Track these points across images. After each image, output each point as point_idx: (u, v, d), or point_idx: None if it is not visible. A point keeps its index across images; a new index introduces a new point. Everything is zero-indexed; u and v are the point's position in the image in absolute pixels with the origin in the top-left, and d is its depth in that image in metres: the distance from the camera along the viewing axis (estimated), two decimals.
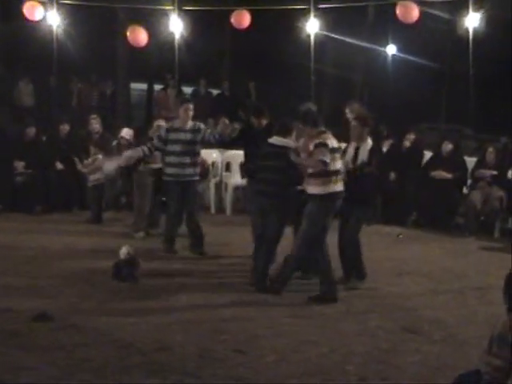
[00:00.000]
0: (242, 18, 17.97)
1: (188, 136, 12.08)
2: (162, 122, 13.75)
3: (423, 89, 24.48)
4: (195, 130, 12.16)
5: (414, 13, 16.42)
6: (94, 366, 7.24)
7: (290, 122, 10.61)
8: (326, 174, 9.68)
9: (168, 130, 12.24)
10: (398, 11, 16.53)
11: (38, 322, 8.44)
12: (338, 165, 9.87)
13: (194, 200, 12.36)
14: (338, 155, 9.88)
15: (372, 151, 10.47)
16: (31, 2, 18.42)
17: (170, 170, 12.21)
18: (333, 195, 9.76)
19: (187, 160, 12.07)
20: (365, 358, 7.76)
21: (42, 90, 22.28)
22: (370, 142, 10.55)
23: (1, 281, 10.17)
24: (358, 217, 10.50)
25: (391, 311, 9.42)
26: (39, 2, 18.56)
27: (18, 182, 15.20)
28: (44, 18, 18.83)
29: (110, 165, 13.88)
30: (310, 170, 9.75)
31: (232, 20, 18.10)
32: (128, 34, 18.48)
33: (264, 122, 11.87)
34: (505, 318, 5.55)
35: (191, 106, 12.25)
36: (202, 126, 12.32)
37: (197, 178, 12.35)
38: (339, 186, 9.82)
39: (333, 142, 9.75)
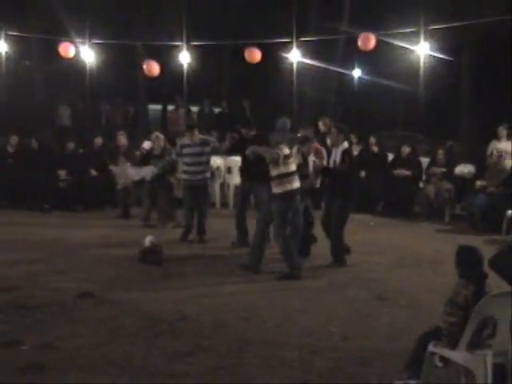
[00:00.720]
0: (254, 54, 17.85)
1: (197, 149, 12.16)
2: (159, 134, 13.92)
3: (383, 103, 24.45)
4: (203, 144, 12.26)
5: (372, 42, 16.40)
6: (128, 333, 7.29)
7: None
8: (283, 176, 9.67)
9: (182, 146, 12.37)
10: (359, 41, 16.55)
11: (82, 298, 8.48)
12: (292, 168, 9.79)
13: (204, 199, 12.39)
14: (290, 160, 9.79)
15: (345, 152, 10.42)
16: (65, 43, 18.34)
17: (184, 177, 12.35)
18: (289, 193, 9.73)
19: (197, 168, 12.16)
20: (345, 321, 7.80)
21: (77, 112, 22.28)
22: (345, 145, 10.49)
23: (51, 265, 10.16)
24: (340, 207, 10.39)
25: (366, 283, 9.42)
26: (72, 42, 18.50)
27: (61, 187, 15.19)
28: (77, 54, 18.77)
29: (136, 173, 13.95)
30: (271, 174, 9.77)
31: (245, 56, 17.96)
32: (144, 66, 18.41)
33: (252, 133, 12.00)
34: (455, 285, 5.63)
35: (196, 132, 12.39)
36: (212, 139, 12.37)
37: (204, 182, 12.38)
38: (294, 185, 9.75)
39: (285, 151, 9.74)
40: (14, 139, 15.98)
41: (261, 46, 17.87)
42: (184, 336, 7.24)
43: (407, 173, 14.82)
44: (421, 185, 14.99)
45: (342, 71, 23.41)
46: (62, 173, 15.24)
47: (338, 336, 7.34)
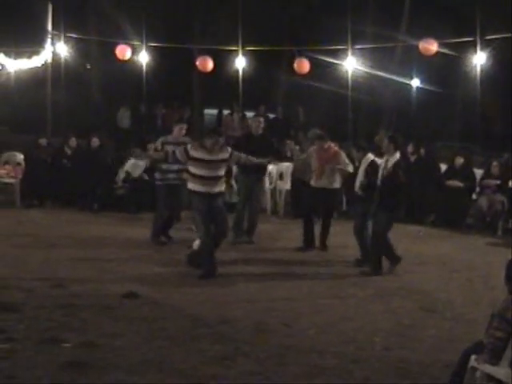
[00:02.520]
0: (303, 65, 17.83)
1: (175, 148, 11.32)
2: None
3: (441, 113, 24.15)
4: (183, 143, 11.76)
5: (433, 48, 16.21)
6: (169, 335, 7.28)
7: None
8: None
9: (164, 143, 11.80)
10: (420, 46, 16.36)
11: (126, 298, 8.51)
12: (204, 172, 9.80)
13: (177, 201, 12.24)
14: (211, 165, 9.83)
15: (396, 165, 10.28)
16: (122, 45, 18.50)
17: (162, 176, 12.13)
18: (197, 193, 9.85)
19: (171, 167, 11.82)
20: (389, 332, 7.68)
21: (136, 115, 22.47)
22: (397, 155, 10.35)
23: (96, 264, 10.25)
24: (385, 218, 10.25)
25: (411, 294, 9.29)
26: (128, 45, 18.64)
27: (118, 192, 15.34)
28: (134, 56, 18.93)
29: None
30: None
31: (295, 66, 17.97)
32: (197, 62, 18.48)
33: (260, 131, 12.31)
34: (504, 299, 5.47)
35: (183, 130, 12.01)
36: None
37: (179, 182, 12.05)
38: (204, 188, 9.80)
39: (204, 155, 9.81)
40: (72, 141, 16.16)
41: (315, 54, 17.85)
42: (224, 340, 7.19)
43: (460, 184, 14.60)
44: (474, 197, 14.73)
45: (400, 80, 23.13)
46: (119, 179, 15.36)
47: (381, 346, 7.22)
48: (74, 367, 6.32)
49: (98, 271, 9.82)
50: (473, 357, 5.49)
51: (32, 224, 13.53)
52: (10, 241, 11.79)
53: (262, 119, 12.74)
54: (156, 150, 12.03)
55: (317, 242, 11.93)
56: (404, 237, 12.82)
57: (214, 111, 27.20)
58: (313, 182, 11.99)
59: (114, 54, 18.44)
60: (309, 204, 12.17)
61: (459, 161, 14.98)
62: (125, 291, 8.68)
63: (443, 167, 15.52)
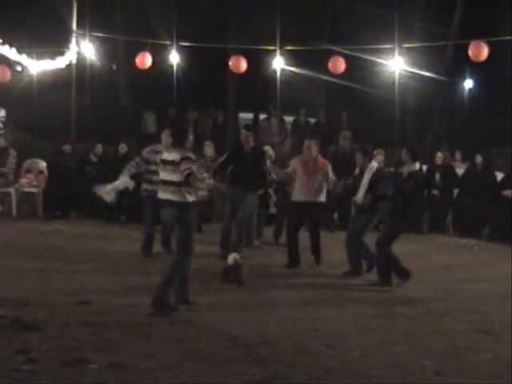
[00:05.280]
0: (338, 64, 17.86)
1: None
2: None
3: (497, 118, 23.90)
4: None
5: (484, 52, 16.12)
6: (203, 356, 7.25)
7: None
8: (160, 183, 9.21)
9: (155, 152, 11.75)
10: (469, 51, 16.28)
11: (156, 316, 8.54)
12: (166, 176, 8.99)
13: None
14: (169, 167, 8.98)
15: (411, 174, 10.51)
16: (142, 53, 18.57)
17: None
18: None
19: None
20: (441, 355, 7.61)
21: (162, 119, 22.57)
22: (416, 166, 10.63)
23: (123, 279, 10.33)
24: (391, 225, 10.63)
25: (466, 314, 9.24)
26: (149, 52, 18.68)
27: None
28: (160, 61, 19.03)
29: None
30: None
31: (329, 66, 18.01)
32: (230, 63, 18.56)
33: (251, 137, 12.25)
34: None
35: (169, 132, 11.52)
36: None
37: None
38: (164, 195, 9.03)
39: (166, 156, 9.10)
40: (98, 148, 16.27)
41: (358, 53, 17.85)
42: (263, 361, 7.17)
43: None
44: None
45: (451, 81, 23.01)
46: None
47: (432, 371, 7.14)
48: None
49: (125, 287, 9.89)
50: None
51: (55, 236, 13.68)
52: (31, 254, 11.94)
53: (249, 133, 12.47)
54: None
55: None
56: (456, 251, 12.77)
57: (250, 115, 27.31)
58: (296, 196, 11.98)
59: (135, 63, 18.54)
60: (291, 220, 12.18)
61: None
62: (156, 309, 8.71)
63: (500, 176, 15.41)
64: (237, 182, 12.12)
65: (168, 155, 9.00)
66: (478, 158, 15.61)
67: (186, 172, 8.77)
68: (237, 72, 19.14)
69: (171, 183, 8.90)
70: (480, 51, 16.12)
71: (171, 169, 8.89)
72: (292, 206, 12.11)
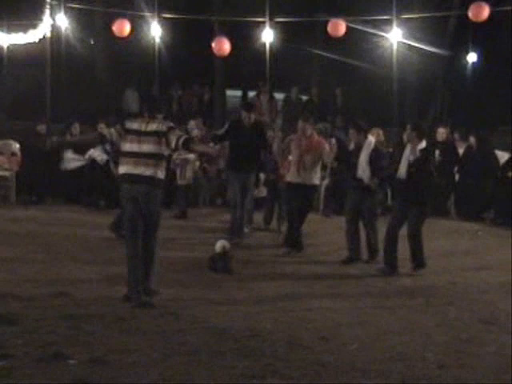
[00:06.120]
0: (338, 27, 17.79)
1: None
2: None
3: (504, 94, 23.85)
4: None
5: (485, 12, 16.15)
6: (190, 350, 7.27)
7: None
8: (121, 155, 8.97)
9: None
10: (469, 12, 16.31)
11: (139, 308, 8.55)
12: (134, 147, 8.73)
13: None
14: (135, 138, 8.74)
15: (425, 150, 10.42)
16: (120, 20, 18.44)
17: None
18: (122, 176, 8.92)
19: None
20: (444, 347, 7.65)
21: (145, 97, 22.49)
22: (423, 144, 10.48)
23: (104, 269, 10.33)
24: (415, 216, 10.48)
25: (469, 303, 9.29)
26: (127, 19, 18.57)
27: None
28: (136, 31, 18.91)
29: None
30: None
31: (328, 29, 17.91)
32: (213, 44, 18.49)
33: (253, 117, 12.31)
34: None
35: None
36: None
37: None
38: (132, 169, 8.75)
39: (134, 125, 8.80)
40: (75, 127, 16.19)
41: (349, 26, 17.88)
42: (254, 355, 7.19)
43: None
44: None
45: (453, 55, 22.99)
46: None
47: (434, 364, 7.17)
48: None
49: (106, 277, 9.89)
50: None
51: (30, 223, 13.64)
52: (4, 243, 11.90)
53: (250, 114, 12.45)
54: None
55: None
56: (460, 237, 12.80)
57: (238, 92, 27.26)
58: (289, 177, 12.02)
59: (111, 30, 18.43)
60: (287, 202, 12.24)
61: None
62: (139, 301, 8.69)
63: (505, 156, 15.43)
64: (238, 165, 12.11)
65: (148, 126, 8.78)
66: (472, 139, 15.64)
67: (182, 139, 8.72)
68: (220, 55, 19.05)
69: (150, 156, 8.71)
70: (480, 11, 16.15)
71: (153, 140, 8.73)
72: (286, 187, 12.14)
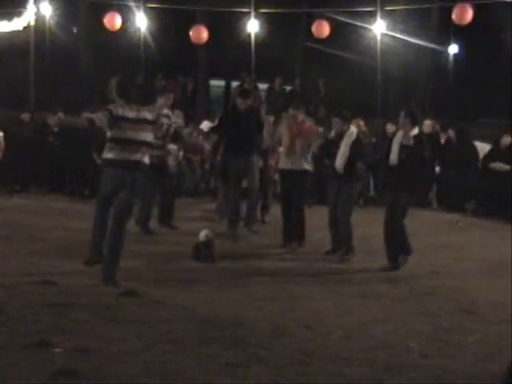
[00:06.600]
0: (322, 28, 17.75)
1: None
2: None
3: (486, 86, 23.87)
4: None
5: (469, 15, 16.14)
6: (175, 339, 7.25)
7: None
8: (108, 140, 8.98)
9: None
10: (453, 14, 16.30)
11: (125, 297, 8.53)
12: (124, 134, 8.81)
13: None
14: (125, 124, 8.81)
15: (418, 136, 10.34)
16: (111, 13, 18.37)
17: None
18: (107, 161, 9.01)
19: None
20: (427, 336, 7.68)
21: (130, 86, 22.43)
22: (415, 131, 10.38)
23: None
24: (403, 204, 10.36)
25: (451, 293, 9.33)
26: (118, 12, 18.51)
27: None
28: (127, 22, 18.86)
29: None
30: None
31: (313, 29, 17.89)
32: (191, 33, 18.42)
33: (248, 102, 12.27)
34: None
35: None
36: None
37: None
38: (120, 154, 8.84)
39: (122, 111, 8.84)
40: (59, 116, 16.14)
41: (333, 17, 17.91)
42: (238, 344, 7.17)
43: (506, 167, 14.57)
44: None
45: (436, 47, 23.02)
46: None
47: (417, 353, 7.20)
48: (65, 376, 6.28)
49: (91, 268, 9.74)
50: None
51: (13, 212, 13.57)
52: None
53: (245, 100, 12.39)
54: None
55: None
56: (441, 227, 12.86)
57: (222, 82, 27.27)
58: (280, 164, 12.02)
59: (103, 23, 18.37)
60: (280, 193, 12.25)
61: (506, 140, 14.93)
62: (123, 289, 8.72)
63: (485, 148, 15.48)
64: (237, 149, 12.05)
65: (139, 113, 8.86)
66: (450, 131, 15.70)
67: (172, 130, 8.78)
68: (198, 43, 19.01)
69: (140, 143, 8.82)
70: (464, 14, 16.14)
71: (144, 128, 8.83)
72: (279, 175, 12.12)
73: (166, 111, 12.06)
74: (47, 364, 6.50)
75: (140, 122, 8.83)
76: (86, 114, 10.44)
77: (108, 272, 9.05)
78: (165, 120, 11.38)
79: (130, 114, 8.83)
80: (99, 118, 8.89)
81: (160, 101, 11.92)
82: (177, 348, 7.01)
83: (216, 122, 12.70)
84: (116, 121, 8.78)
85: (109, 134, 8.94)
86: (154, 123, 8.98)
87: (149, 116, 8.93)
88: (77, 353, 6.77)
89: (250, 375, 6.47)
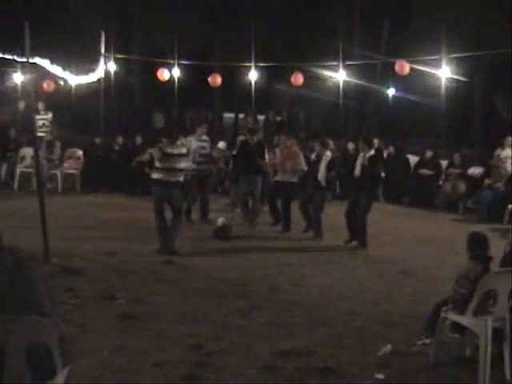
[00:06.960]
0: (298, 79, 17.38)
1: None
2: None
3: (411, 116, 23.83)
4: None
5: (407, 68, 15.97)
6: (200, 293, 7.31)
7: None
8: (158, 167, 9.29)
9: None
10: (396, 67, 16.14)
11: (165, 264, 8.55)
12: (169, 165, 9.22)
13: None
14: (171, 158, 9.24)
15: (372, 156, 10.09)
16: (161, 68, 18.31)
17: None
18: (158, 181, 9.27)
19: None
20: (376, 290, 7.67)
21: (168, 117, 22.46)
22: (372, 152, 10.18)
23: (141, 239, 9.98)
24: (366, 202, 10.08)
25: (393, 260, 9.26)
26: (166, 67, 18.41)
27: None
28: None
29: None
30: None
31: (291, 79, 17.42)
32: (209, 79, 18.11)
33: (255, 139, 11.86)
34: (466, 263, 5.51)
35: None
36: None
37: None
38: (165, 177, 9.20)
39: (170, 149, 9.25)
40: (119, 139, 16.15)
41: (313, 68, 17.80)
42: (245, 297, 7.21)
43: (430, 172, 14.52)
44: (440, 182, 14.62)
45: (380, 89, 22.92)
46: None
47: (370, 302, 7.22)
48: (126, 318, 6.37)
49: (142, 244, 9.57)
50: (443, 309, 5.51)
51: (89, 206, 13.44)
52: (70, 221, 11.62)
53: (253, 137, 11.91)
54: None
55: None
56: (385, 215, 12.78)
57: (231, 115, 27.14)
58: (276, 177, 11.65)
59: (156, 76, 18.31)
60: (271, 194, 11.86)
61: (428, 154, 14.88)
62: (165, 259, 8.71)
63: (415, 159, 15.41)
64: (248, 169, 11.62)
65: (179, 149, 9.40)
66: (391, 148, 15.66)
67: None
68: (214, 86, 18.89)
69: (178, 170, 9.34)
70: (403, 67, 15.98)
71: (181, 160, 9.38)
72: (274, 184, 11.82)
73: (204, 137, 11.97)
74: (114, 310, 6.62)
75: (180, 155, 9.33)
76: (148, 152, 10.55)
77: (170, 244, 9.18)
78: (205, 144, 11.86)
79: (174, 150, 9.29)
80: (155, 152, 9.32)
81: (200, 129, 11.91)
82: (201, 299, 7.07)
83: (236, 151, 12.27)
84: (165, 155, 9.17)
85: (158, 163, 9.26)
86: (186, 155, 9.57)
87: (183, 151, 9.45)
88: (134, 303, 6.86)
89: (254, 318, 6.50)
